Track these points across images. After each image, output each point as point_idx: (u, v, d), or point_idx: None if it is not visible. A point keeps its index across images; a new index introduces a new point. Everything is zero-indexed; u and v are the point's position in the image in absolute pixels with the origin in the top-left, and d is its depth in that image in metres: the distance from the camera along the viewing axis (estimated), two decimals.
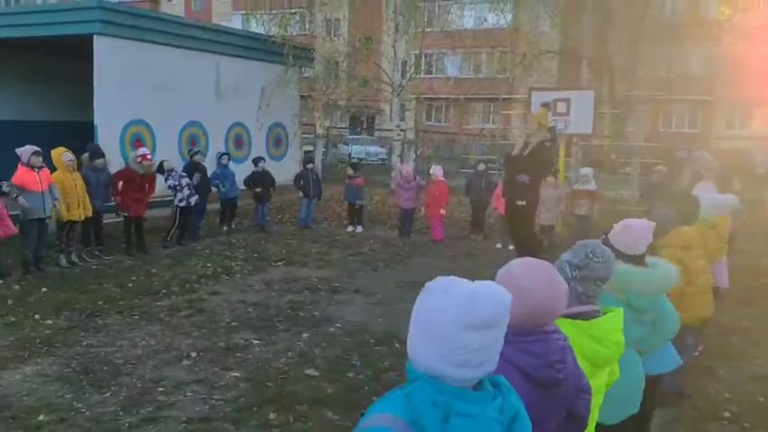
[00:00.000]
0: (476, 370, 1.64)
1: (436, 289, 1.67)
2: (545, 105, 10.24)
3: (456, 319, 1.60)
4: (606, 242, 3.25)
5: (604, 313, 2.66)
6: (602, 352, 2.54)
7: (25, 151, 9.16)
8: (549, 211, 11.73)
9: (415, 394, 1.65)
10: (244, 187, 13.44)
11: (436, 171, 13.17)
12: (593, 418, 2.66)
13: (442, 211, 12.89)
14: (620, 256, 3.21)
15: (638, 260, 3.22)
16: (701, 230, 5.49)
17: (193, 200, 11.34)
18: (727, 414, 5.35)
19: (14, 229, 8.83)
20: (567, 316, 2.47)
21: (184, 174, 11.54)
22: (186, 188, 11.26)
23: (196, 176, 11.67)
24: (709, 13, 20.81)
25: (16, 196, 8.86)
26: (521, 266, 2.20)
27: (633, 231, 3.24)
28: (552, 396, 2.19)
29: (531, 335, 2.16)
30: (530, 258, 2.27)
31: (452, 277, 1.70)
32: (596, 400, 2.56)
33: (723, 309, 7.84)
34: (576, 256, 2.64)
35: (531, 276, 2.15)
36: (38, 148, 9.23)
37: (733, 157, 20.99)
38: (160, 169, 11.23)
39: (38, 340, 6.59)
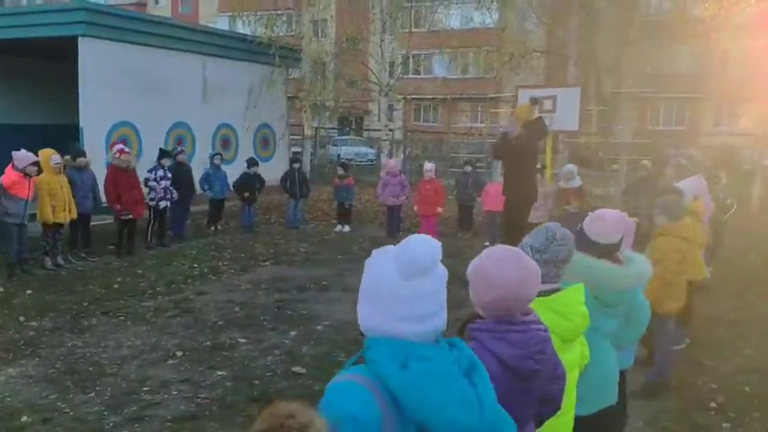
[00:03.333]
0: (422, 324, 1.71)
1: (374, 256, 1.82)
2: (532, 101, 10.20)
3: (393, 271, 1.73)
4: (581, 232, 3.22)
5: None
6: (567, 325, 2.57)
7: (23, 158, 8.93)
8: (537, 209, 11.71)
9: (371, 353, 1.71)
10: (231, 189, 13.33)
11: (430, 168, 12.97)
12: (571, 403, 2.64)
13: (440, 209, 12.84)
14: (592, 246, 3.16)
15: (609, 250, 3.17)
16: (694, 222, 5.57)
17: (162, 203, 11.22)
18: (713, 405, 5.36)
19: None
20: None
21: (168, 176, 11.35)
22: (155, 191, 11.12)
23: (168, 184, 11.42)
24: (695, 10, 20.92)
25: None
26: (488, 255, 2.21)
27: (606, 221, 3.20)
28: (530, 387, 2.18)
29: (510, 324, 2.14)
30: (498, 246, 2.27)
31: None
32: (572, 377, 2.55)
33: (710, 301, 7.89)
34: (537, 240, 2.65)
35: (496, 263, 2.15)
36: (37, 159, 9.07)
37: (721, 154, 21.13)
38: (163, 156, 11.38)
39: (22, 342, 6.53)
